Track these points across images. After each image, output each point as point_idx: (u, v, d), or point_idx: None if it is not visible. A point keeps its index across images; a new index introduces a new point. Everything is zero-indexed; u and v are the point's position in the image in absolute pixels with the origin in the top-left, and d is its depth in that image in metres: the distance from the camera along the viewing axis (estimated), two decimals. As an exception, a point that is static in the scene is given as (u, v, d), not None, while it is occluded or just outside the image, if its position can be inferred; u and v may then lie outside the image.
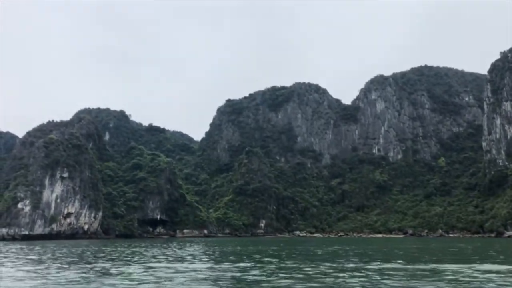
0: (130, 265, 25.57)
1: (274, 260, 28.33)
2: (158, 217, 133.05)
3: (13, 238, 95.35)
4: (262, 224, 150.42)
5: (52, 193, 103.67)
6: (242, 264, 25.60)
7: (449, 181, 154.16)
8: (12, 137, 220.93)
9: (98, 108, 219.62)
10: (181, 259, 30.55)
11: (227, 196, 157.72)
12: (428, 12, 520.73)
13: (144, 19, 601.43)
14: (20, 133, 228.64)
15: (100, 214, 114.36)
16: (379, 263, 25.94)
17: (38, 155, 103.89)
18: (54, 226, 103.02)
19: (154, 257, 33.27)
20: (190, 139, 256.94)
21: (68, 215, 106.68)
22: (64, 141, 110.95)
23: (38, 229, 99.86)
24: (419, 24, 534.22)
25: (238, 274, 20.05)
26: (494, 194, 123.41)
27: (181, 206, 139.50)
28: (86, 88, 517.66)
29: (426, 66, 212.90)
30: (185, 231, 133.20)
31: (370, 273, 20.11)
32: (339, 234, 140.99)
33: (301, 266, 23.99)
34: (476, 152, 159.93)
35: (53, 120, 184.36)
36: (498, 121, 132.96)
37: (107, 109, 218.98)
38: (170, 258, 31.49)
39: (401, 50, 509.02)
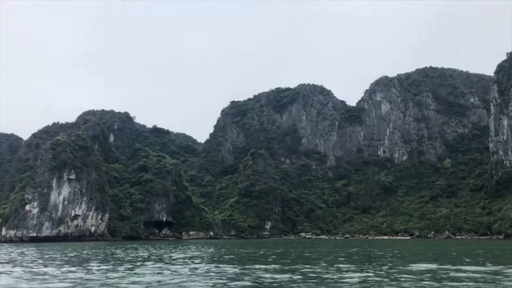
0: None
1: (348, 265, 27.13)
2: (164, 219, 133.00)
3: (21, 240, 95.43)
4: (267, 226, 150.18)
5: (60, 195, 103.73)
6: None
7: (455, 182, 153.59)
8: (17, 139, 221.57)
9: (102, 110, 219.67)
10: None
11: (232, 198, 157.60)
12: (432, 13, 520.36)
13: (147, 21, 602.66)
14: (24, 135, 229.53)
15: (107, 216, 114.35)
16: (438, 264, 25.50)
17: (45, 157, 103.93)
18: (61, 228, 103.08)
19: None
20: (194, 141, 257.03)
21: (75, 217, 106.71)
22: (70, 143, 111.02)
23: (46, 231, 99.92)
24: (424, 25, 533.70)
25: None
26: (501, 196, 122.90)
27: (187, 208, 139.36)
28: (90, 90, 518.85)
29: (431, 67, 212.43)
30: (191, 233, 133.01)
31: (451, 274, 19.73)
32: (345, 236, 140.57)
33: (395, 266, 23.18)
34: (482, 154, 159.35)
35: (58, 122, 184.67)
36: (505, 122, 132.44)
37: (112, 111, 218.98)
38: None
39: (406, 51, 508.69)
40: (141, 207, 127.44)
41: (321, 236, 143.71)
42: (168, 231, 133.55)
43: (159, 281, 18.43)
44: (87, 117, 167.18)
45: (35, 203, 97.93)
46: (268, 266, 25.81)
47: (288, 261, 31.23)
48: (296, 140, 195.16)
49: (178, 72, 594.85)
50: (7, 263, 30.80)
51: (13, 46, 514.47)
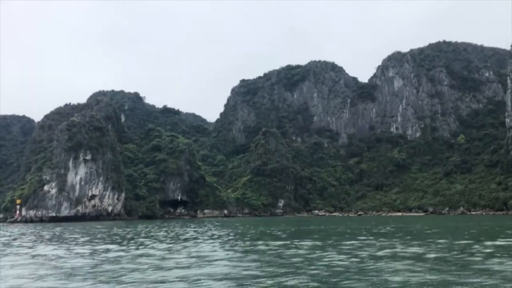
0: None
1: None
2: (179, 198, 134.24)
3: (40, 220, 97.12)
4: (280, 204, 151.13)
5: (76, 175, 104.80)
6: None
7: (469, 158, 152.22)
8: (29, 120, 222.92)
9: (113, 91, 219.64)
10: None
11: (244, 177, 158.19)
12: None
13: (156, 1, 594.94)
14: (35, 117, 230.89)
15: (123, 195, 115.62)
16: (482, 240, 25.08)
17: (61, 138, 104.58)
18: (79, 208, 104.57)
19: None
20: (204, 121, 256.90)
21: (93, 197, 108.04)
22: (85, 124, 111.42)
23: (64, 211, 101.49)
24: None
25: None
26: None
27: (201, 187, 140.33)
28: (98, 70, 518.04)
29: (444, 42, 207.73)
30: (205, 211, 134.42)
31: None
32: (358, 213, 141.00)
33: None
34: (497, 129, 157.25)
35: (70, 103, 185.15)
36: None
37: (122, 91, 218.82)
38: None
39: (419, 25, 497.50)
40: (156, 186, 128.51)
41: (334, 214, 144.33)
42: (183, 210, 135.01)
43: (252, 259, 17.73)
44: (98, 98, 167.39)
45: (53, 184, 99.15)
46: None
47: (336, 237, 31.08)
48: (307, 118, 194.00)
49: (185, 52, 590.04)
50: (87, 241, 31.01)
51: (19, 27, 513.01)
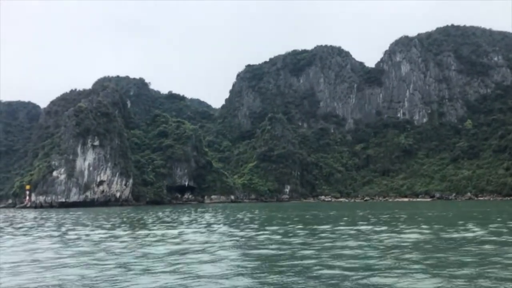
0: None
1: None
2: (186, 183, 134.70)
3: (50, 206, 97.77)
4: (287, 190, 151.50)
5: (85, 161, 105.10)
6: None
7: (476, 143, 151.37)
8: (34, 106, 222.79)
9: (118, 76, 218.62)
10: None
11: (251, 163, 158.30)
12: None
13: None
14: (41, 103, 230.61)
15: (131, 181, 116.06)
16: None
17: (69, 123, 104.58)
18: (88, 193, 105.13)
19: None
20: (209, 106, 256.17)
21: (101, 182, 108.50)
22: (93, 109, 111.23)
23: (74, 197, 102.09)
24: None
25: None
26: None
27: (207, 172, 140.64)
28: (102, 56, 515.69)
29: (452, 26, 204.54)
30: (212, 197, 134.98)
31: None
32: (364, 199, 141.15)
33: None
34: (505, 114, 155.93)
35: (75, 89, 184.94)
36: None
37: (127, 77, 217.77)
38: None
39: (426, 9, 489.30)
40: (163, 172, 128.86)
41: (341, 199, 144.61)
42: (190, 195, 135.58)
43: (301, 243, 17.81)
44: (104, 84, 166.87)
45: (62, 170, 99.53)
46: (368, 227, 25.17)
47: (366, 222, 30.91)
48: (314, 104, 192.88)
49: (189, 38, 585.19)
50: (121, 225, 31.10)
51: (23, 14, 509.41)
